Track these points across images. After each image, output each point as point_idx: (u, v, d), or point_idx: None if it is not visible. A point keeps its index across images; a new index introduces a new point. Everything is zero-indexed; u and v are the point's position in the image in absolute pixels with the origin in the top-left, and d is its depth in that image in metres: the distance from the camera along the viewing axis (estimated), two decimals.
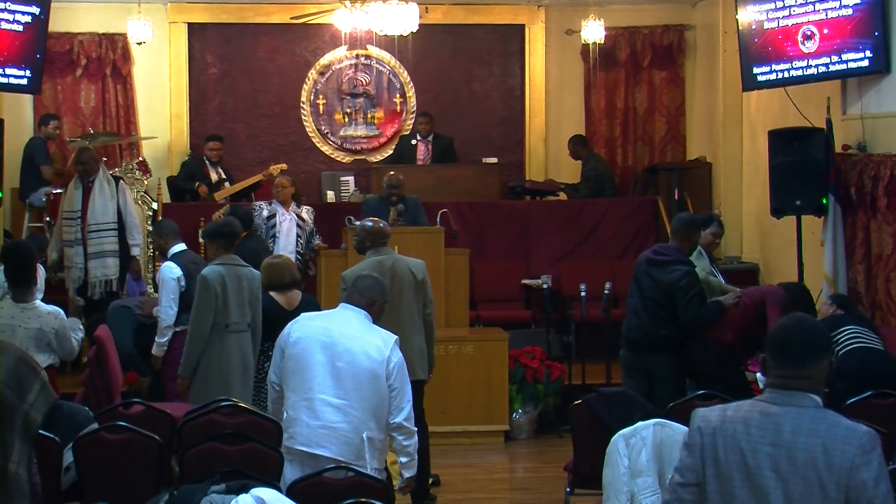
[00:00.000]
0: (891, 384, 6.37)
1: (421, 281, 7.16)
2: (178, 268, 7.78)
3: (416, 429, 5.31)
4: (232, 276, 7.17)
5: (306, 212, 10.09)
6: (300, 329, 5.29)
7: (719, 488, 3.21)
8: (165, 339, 7.70)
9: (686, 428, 4.33)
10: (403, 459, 5.31)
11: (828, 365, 3.27)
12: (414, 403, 7.22)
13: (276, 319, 7.10)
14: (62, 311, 6.71)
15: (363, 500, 4.50)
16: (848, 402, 6.16)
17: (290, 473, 5.08)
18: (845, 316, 6.95)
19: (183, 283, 7.70)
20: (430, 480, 7.72)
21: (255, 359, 7.21)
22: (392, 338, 5.28)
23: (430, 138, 12.18)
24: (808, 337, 3.27)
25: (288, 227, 9.77)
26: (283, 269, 7.44)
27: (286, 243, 9.55)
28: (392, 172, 10.11)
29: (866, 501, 3.09)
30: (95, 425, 5.48)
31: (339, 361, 5.15)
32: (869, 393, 6.28)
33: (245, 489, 4.38)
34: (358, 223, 9.44)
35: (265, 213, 9.84)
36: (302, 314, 5.52)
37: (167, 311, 7.68)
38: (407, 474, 5.34)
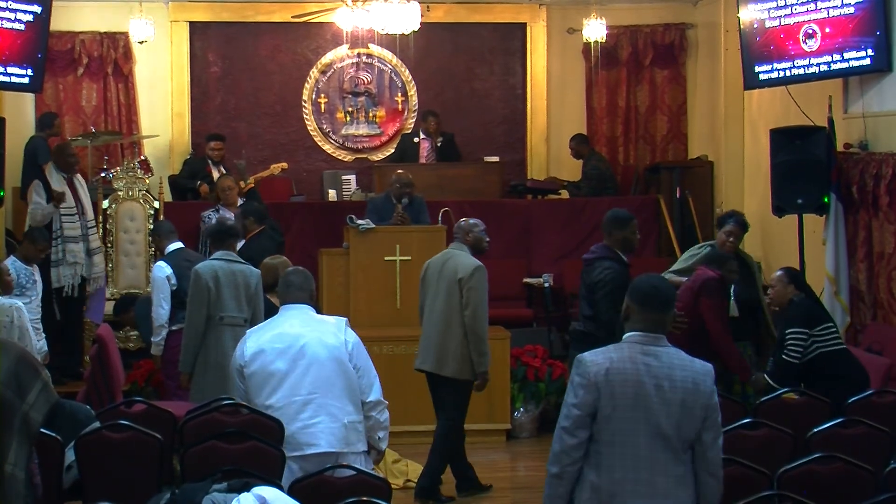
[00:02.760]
0: (861, 385, 6.48)
1: (458, 280, 7.21)
2: (168, 266, 7.80)
3: (387, 401, 5.37)
4: (226, 270, 7.18)
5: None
6: (252, 346, 5.30)
7: (613, 414, 4.00)
8: (160, 338, 7.71)
9: None
10: (380, 434, 5.35)
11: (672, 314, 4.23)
12: (451, 400, 7.27)
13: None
14: (22, 306, 6.69)
15: (364, 498, 4.50)
16: (850, 400, 6.18)
17: (290, 477, 5.08)
18: (810, 300, 6.93)
19: (174, 282, 7.71)
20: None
21: None
22: (342, 320, 5.38)
23: (436, 137, 12.16)
24: (668, 291, 4.20)
25: None
26: (272, 270, 7.38)
27: None
28: (401, 171, 10.13)
29: (715, 417, 4.06)
30: (97, 424, 5.48)
31: (301, 360, 5.19)
32: (870, 392, 6.30)
33: (247, 488, 4.38)
34: (361, 221, 9.48)
35: (214, 219, 9.79)
36: (248, 330, 5.54)
37: (158, 310, 7.70)
38: (383, 446, 5.41)
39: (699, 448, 4.05)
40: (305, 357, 5.18)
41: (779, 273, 7.10)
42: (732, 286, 7.31)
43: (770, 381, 6.77)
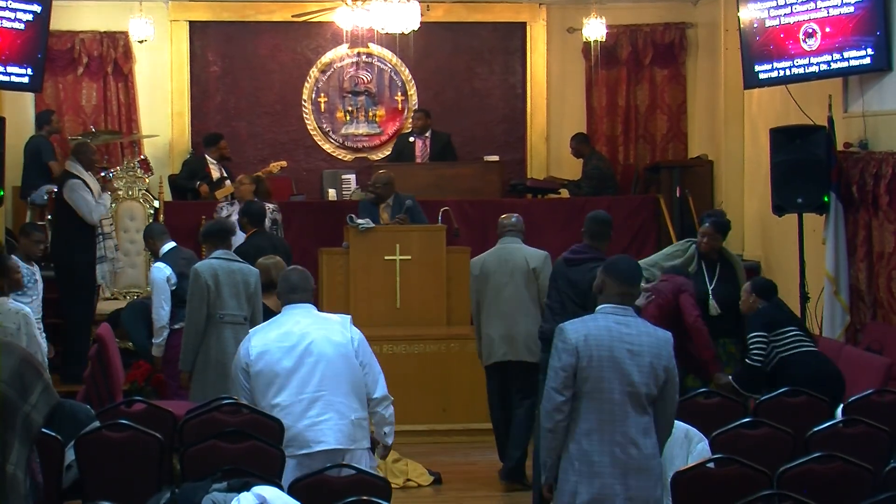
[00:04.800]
0: (830, 386, 6.48)
1: (533, 269, 7.65)
2: (168, 266, 7.78)
3: (392, 397, 5.40)
4: (225, 269, 7.17)
5: (269, 211, 9.95)
6: (257, 345, 5.29)
7: (592, 374, 4.66)
8: (161, 340, 7.69)
9: (684, 425, 5.25)
10: (386, 429, 5.38)
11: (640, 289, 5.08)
12: (527, 387, 7.31)
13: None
14: (30, 313, 6.64)
15: (364, 497, 4.51)
16: (850, 399, 6.18)
17: (292, 476, 5.07)
18: (772, 307, 6.95)
19: (174, 281, 7.69)
20: (433, 479, 7.75)
21: None
22: (347, 317, 5.41)
23: (426, 135, 12.14)
24: (637, 267, 4.95)
25: None
26: (265, 270, 7.38)
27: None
28: (381, 171, 10.14)
29: (673, 378, 4.77)
30: (97, 423, 5.48)
31: (308, 358, 5.20)
32: (871, 391, 6.29)
33: (246, 487, 4.39)
34: (361, 221, 9.49)
35: (224, 212, 9.78)
36: (251, 329, 5.55)
37: (159, 311, 7.68)
38: (389, 441, 5.44)
39: (660, 403, 4.75)
40: (313, 355, 5.19)
41: (746, 284, 7.31)
42: (711, 288, 7.54)
43: (735, 383, 6.86)
